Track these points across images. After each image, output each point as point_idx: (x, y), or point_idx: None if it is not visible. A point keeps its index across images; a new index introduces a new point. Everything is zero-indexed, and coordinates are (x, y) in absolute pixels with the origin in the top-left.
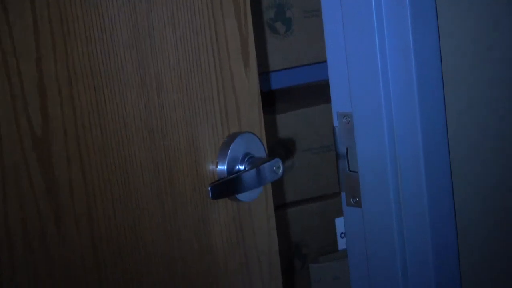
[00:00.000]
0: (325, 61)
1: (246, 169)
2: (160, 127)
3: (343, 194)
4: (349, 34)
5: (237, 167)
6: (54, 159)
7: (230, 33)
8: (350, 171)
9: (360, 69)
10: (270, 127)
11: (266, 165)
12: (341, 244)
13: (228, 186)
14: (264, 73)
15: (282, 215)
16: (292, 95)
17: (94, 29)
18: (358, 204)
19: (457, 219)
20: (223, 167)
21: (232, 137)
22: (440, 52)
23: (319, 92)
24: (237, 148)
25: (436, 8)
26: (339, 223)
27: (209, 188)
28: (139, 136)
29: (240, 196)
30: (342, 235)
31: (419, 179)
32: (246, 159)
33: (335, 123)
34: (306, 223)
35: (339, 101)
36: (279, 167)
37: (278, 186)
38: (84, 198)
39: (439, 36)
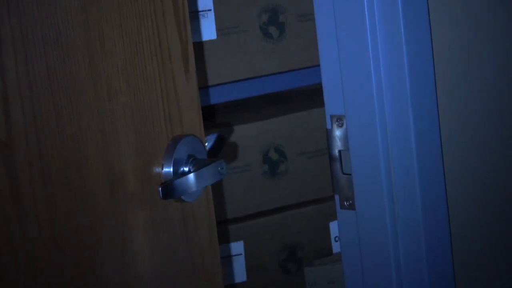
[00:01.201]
0: (318, 65)
1: (191, 170)
2: (111, 131)
3: (336, 197)
4: (342, 37)
5: (182, 169)
6: (18, 162)
7: (172, 39)
8: (344, 174)
9: (353, 72)
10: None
11: (212, 166)
12: (336, 247)
13: (177, 187)
14: (252, 79)
15: (278, 218)
16: (286, 99)
17: (51, 34)
18: (351, 207)
19: (451, 221)
20: (169, 169)
21: (176, 140)
22: (433, 55)
23: (313, 96)
24: (181, 150)
25: (428, 11)
26: (333, 226)
27: (160, 188)
28: (93, 140)
29: (184, 196)
30: (337, 239)
31: (412, 181)
32: (190, 161)
33: (329, 126)
34: (301, 226)
35: (332, 104)
36: (223, 168)
37: (273, 190)
38: (45, 199)
39: (432, 39)
